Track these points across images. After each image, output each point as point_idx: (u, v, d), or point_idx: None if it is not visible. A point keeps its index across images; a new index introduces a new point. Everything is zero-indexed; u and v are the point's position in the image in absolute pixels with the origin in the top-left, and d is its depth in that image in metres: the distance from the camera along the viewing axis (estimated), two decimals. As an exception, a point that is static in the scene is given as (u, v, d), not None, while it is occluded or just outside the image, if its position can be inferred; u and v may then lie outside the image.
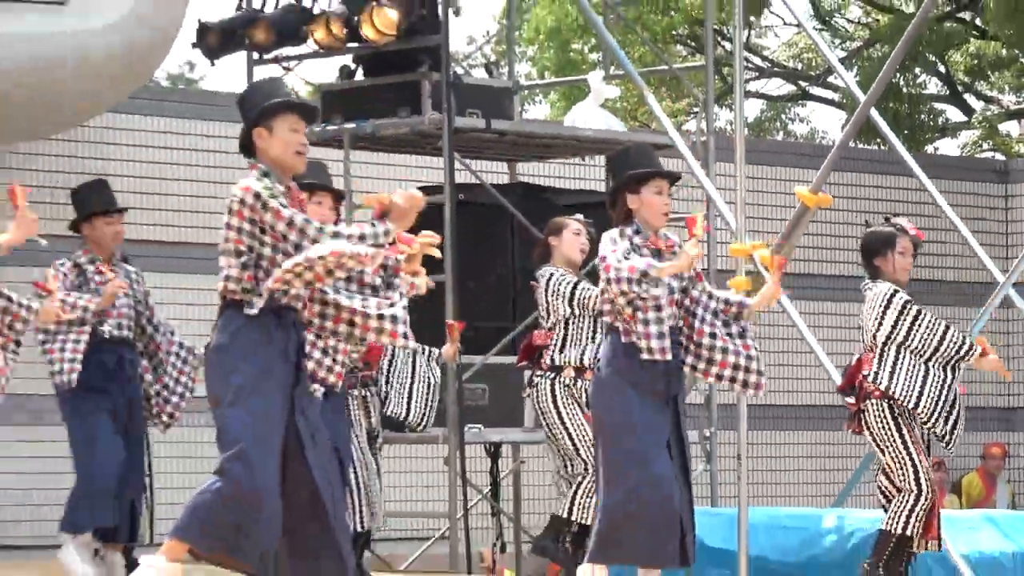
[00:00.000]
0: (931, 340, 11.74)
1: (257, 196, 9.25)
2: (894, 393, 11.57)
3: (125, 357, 14.03)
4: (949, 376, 12.05)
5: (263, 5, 16.80)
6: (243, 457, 9.22)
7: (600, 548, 10.94)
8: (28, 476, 18.74)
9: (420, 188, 16.54)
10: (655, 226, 11.10)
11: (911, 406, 11.66)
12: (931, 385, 11.78)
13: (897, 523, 11.65)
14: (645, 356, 10.71)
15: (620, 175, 11.30)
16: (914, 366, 11.78)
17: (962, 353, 11.92)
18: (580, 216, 13.48)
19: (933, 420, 11.88)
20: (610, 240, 10.90)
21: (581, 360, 13.06)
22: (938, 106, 37.28)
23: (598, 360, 11.22)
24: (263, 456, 9.27)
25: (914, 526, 11.75)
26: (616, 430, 10.85)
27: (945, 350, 11.76)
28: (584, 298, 12.83)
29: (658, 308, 10.79)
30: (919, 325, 11.78)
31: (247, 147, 9.60)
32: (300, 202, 9.72)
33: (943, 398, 11.97)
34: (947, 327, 11.88)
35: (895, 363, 11.75)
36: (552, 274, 12.88)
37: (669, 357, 10.78)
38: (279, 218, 9.26)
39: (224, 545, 9.44)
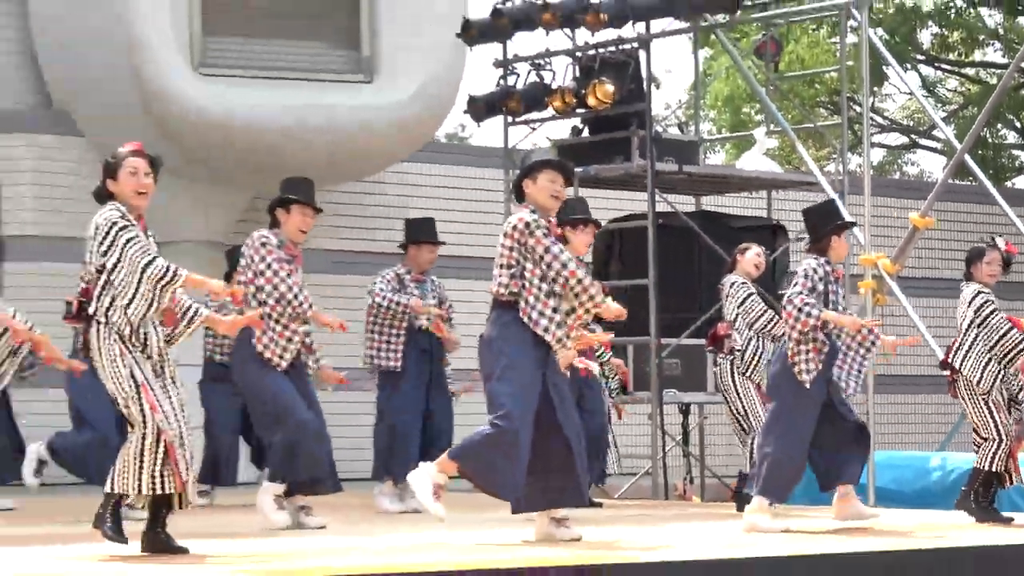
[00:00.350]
0: (994, 335, 11.30)
1: (527, 225, 9.35)
2: (963, 371, 11.29)
3: (432, 344, 13.55)
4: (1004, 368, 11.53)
5: (515, 83, 16.63)
6: (506, 416, 9.23)
7: (765, 485, 10.68)
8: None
9: (630, 216, 16.53)
10: (836, 261, 10.92)
11: (975, 383, 11.26)
12: (990, 367, 11.34)
13: (984, 462, 11.19)
14: (805, 377, 10.50)
15: (826, 222, 10.92)
16: (981, 351, 11.37)
17: (1018, 349, 11.36)
18: (759, 247, 13.08)
19: (994, 394, 11.38)
20: (803, 274, 10.68)
21: (745, 349, 12.77)
22: (1015, 152, 36.67)
23: (776, 364, 10.95)
24: (521, 416, 9.24)
25: (997, 465, 11.30)
26: (786, 411, 10.62)
27: (1003, 344, 11.29)
28: (748, 309, 12.52)
29: (816, 346, 10.56)
30: (989, 321, 11.37)
31: (519, 192, 9.64)
32: (558, 235, 9.68)
33: (1000, 377, 11.50)
34: (1010, 327, 11.39)
35: (969, 347, 11.40)
36: (733, 282, 12.56)
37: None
38: (539, 243, 9.29)
39: (480, 471, 9.45)
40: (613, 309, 9.92)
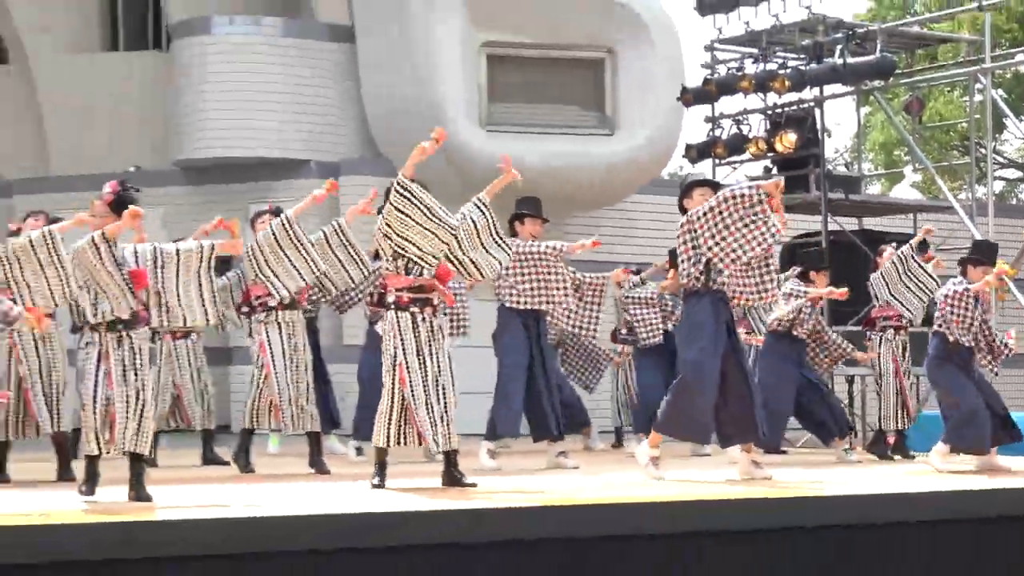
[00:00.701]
0: None
1: (689, 219, 8.96)
2: None
3: None
4: None
5: (721, 134, 16.39)
6: (693, 373, 8.91)
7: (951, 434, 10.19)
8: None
9: (808, 234, 16.22)
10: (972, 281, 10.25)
11: None
12: None
13: None
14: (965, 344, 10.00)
15: (973, 255, 10.50)
16: None
17: None
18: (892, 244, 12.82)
19: None
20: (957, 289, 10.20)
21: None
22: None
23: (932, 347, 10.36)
24: (708, 373, 8.85)
25: None
26: (948, 385, 10.11)
27: None
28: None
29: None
30: None
31: (682, 209, 9.17)
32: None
33: None
34: None
35: None
36: (875, 279, 11.84)
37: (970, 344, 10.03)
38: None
39: (679, 426, 9.11)
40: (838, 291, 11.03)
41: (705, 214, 8.88)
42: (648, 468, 9.03)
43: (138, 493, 7.53)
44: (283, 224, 9.81)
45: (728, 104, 16.79)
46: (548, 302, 10.79)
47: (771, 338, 11.58)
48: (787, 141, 15.32)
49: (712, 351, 9.02)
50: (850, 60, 15.43)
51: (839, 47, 15.70)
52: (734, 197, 8.88)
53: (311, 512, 6.80)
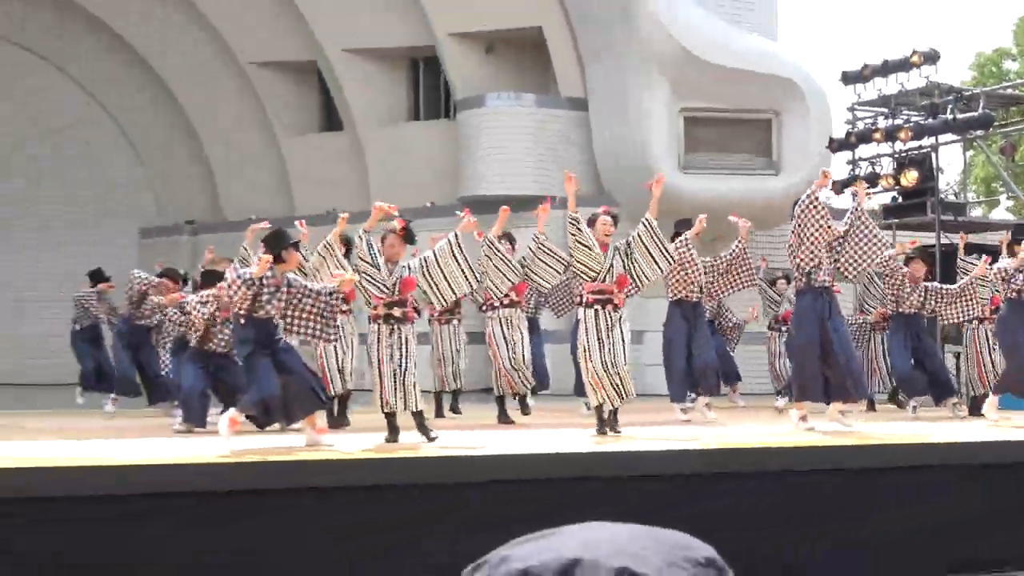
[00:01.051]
0: None
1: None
2: None
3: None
4: None
5: (859, 172, 15.65)
6: (798, 348, 8.64)
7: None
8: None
9: (925, 246, 14.14)
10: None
11: None
12: None
13: None
14: None
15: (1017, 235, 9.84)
16: None
17: None
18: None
19: None
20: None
21: None
22: None
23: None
24: (810, 348, 8.47)
25: None
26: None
27: None
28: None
29: None
30: None
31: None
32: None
33: None
34: None
35: None
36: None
37: None
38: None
39: (801, 390, 8.68)
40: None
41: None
42: (799, 424, 8.62)
43: (426, 436, 7.43)
44: (490, 244, 9.12)
45: (864, 150, 16.24)
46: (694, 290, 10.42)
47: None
48: (910, 177, 14.92)
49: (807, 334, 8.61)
50: (959, 116, 15.07)
51: (950, 106, 15.32)
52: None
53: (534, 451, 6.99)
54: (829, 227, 8.47)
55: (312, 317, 7.60)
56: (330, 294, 7.59)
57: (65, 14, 20.49)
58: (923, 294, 11.28)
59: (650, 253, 8.63)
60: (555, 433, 9.00)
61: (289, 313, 7.58)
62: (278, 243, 7.68)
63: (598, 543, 0.86)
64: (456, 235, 8.05)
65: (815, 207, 8.46)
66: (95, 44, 20.82)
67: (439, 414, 10.73)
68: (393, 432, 7.55)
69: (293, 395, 7.41)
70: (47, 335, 18.55)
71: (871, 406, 11.85)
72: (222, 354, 9.08)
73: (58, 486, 5.71)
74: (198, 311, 8.93)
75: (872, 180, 15.65)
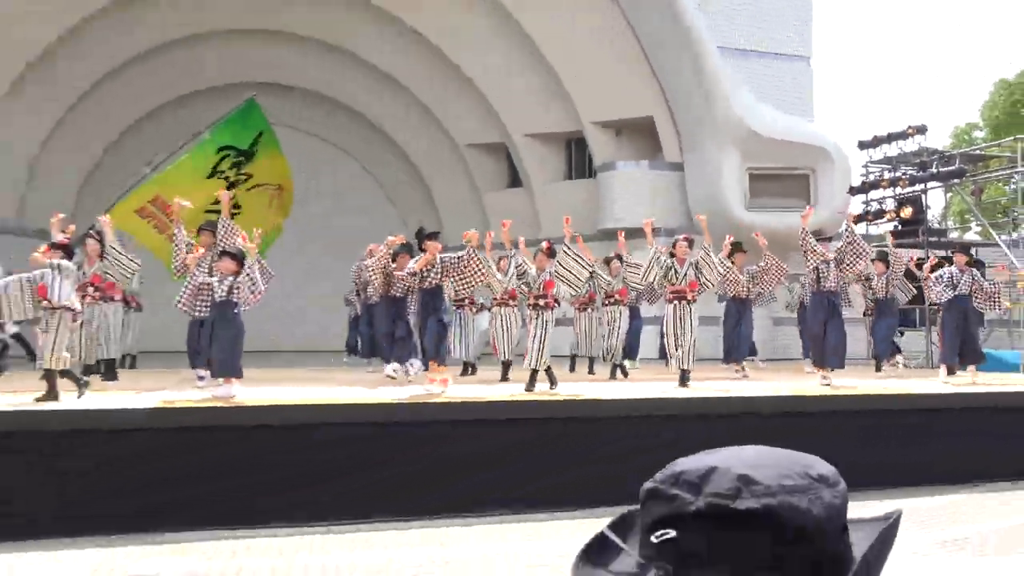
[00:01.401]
0: None
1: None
2: None
3: None
4: None
5: (870, 209, 15.80)
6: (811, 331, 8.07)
7: None
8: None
9: (920, 259, 13.45)
10: None
11: None
12: None
13: None
14: None
15: None
16: None
17: None
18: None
19: None
20: None
21: None
22: None
23: None
24: (817, 330, 8.03)
25: None
26: None
27: None
28: None
29: None
30: None
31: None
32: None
33: None
34: None
35: None
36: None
37: None
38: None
39: (816, 359, 8.08)
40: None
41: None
42: (820, 381, 8.40)
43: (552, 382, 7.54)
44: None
45: (875, 194, 16.04)
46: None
47: None
48: (906, 212, 13.13)
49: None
50: (941, 169, 15.04)
51: (935, 163, 15.43)
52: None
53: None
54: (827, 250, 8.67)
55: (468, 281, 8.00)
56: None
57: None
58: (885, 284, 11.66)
59: (709, 268, 8.87)
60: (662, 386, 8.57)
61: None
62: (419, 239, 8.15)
63: (734, 457, 0.77)
64: (566, 246, 8.06)
65: (850, 235, 8.78)
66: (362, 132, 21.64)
67: (572, 370, 11.22)
68: (552, 382, 7.84)
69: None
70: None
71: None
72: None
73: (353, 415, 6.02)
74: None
75: (879, 214, 15.30)
